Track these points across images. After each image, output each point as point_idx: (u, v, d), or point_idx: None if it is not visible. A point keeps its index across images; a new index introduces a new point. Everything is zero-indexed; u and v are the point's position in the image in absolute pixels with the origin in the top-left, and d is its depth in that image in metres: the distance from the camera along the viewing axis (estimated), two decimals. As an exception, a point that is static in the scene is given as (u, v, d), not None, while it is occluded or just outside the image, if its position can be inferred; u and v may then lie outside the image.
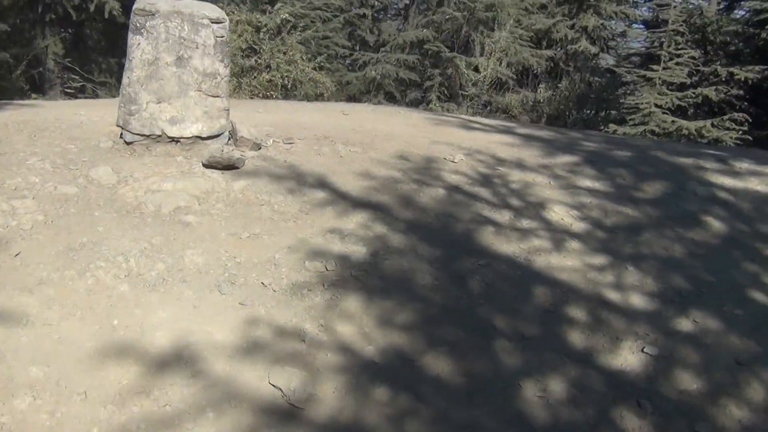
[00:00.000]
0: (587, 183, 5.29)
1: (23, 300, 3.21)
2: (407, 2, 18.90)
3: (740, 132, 15.10)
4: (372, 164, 5.14)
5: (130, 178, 4.39)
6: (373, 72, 16.15)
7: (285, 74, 10.72)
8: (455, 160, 5.41)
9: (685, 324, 3.72)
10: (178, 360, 3.06)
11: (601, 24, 18.03)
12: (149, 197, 4.17)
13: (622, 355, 3.46)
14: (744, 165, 6.00)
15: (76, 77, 10.03)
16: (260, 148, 5.11)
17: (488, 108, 13.18)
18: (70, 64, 9.97)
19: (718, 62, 16.53)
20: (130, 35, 4.75)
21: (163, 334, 3.18)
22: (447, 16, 15.87)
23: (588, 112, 10.85)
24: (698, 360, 3.48)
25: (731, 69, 15.96)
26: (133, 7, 4.77)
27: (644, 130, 15.08)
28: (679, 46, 16.46)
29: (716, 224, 4.83)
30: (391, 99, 17.03)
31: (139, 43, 4.71)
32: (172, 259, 3.66)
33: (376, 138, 5.80)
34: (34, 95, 9.37)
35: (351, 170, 4.97)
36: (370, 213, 4.38)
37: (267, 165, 4.84)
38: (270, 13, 11.54)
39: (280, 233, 4.05)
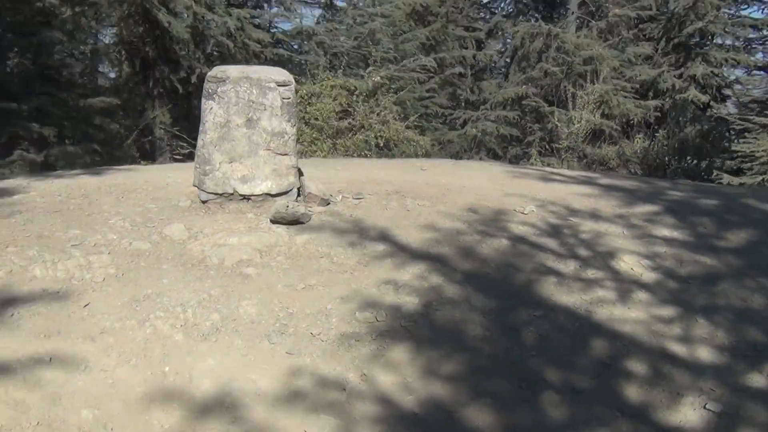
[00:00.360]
0: (664, 232, 5.07)
1: (85, 347, 3.41)
2: (507, 60, 19.03)
3: None
4: (438, 217, 5.16)
5: (200, 233, 4.61)
6: (473, 130, 16.26)
7: (378, 134, 11.00)
8: (525, 212, 5.34)
9: (756, 379, 3.45)
10: (219, 406, 3.15)
11: (711, 72, 17.40)
12: (214, 251, 4.37)
13: (682, 411, 3.25)
14: None
15: (184, 144, 10.70)
16: (328, 204, 5.24)
17: (584, 161, 12.92)
18: (178, 132, 10.67)
19: (843, 104, 15.52)
20: (203, 101, 5.06)
21: (209, 381, 3.29)
22: (545, 71, 15.83)
23: (690, 161, 10.39)
24: (768, 418, 3.21)
25: None
26: (207, 75, 5.10)
27: (763, 179, 14.27)
28: (797, 89, 15.59)
29: (806, 273, 4.49)
30: (493, 156, 17.05)
31: (211, 108, 5.01)
32: (228, 309, 3.79)
33: (448, 192, 5.83)
34: (143, 162, 10.10)
35: (416, 223, 5.01)
36: (428, 264, 4.38)
37: (332, 220, 4.96)
38: (364, 77, 11.95)
39: (335, 284, 4.11)
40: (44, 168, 8.55)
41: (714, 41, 19.08)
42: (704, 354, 3.65)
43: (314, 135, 10.66)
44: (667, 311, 4.03)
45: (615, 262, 4.56)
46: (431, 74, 14.71)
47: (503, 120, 16.43)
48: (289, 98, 5.11)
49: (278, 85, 5.07)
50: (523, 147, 15.90)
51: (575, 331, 3.80)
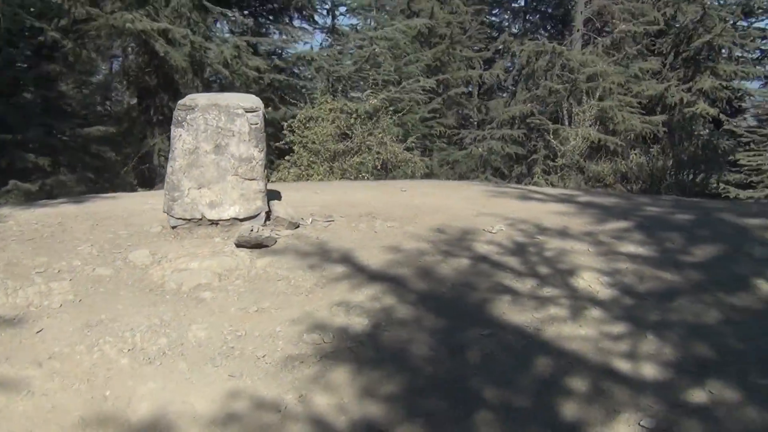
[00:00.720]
0: (630, 248, 5.04)
1: (30, 372, 3.50)
2: (515, 79, 19.06)
3: None
4: (404, 238, 5.19)
5: (163, 259, 4.70)
6: (479, 149, 16.30)
7: (375, 156, 11.08)
8: (493, 231, 5.35)
9: (697, 395, 3.43)
10: (153, 429, 3.20)
11: (719, 84, 17.29)
12: (174, 276, 4.45)
13: (616, 428, 3.23)
14: (825, 222, 5.51)
15: (183, 171, 10.83)
16: (297, 227, 5.31)
17: (582, 177, 12.88)
18: (177, 159, 10.80)
19: None
20: (172, 128, 5.17)
21: (147, 404, 3.35)
22: (550, 89, 15.84)
23: (688, 175, 10.32)
24: (703, 434, 3.19)
25: None
26: (177, 104, 5.21)
27: (772, 192, 14.11)
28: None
29: (766, 288, 4.44)
30: (500, 175, 17.05)
31: (180, 135, 5.11)
32: (177, 333, 3.86)
33: (420, 213, 5.86)
34: (141, 189, 10.28)
35: (380, 245, 5.05)
36: (384, 285, 4.41)
37: (297, 242, 5.02)
38: (366, 100, 12.07)
39: (289, 307, 4.16)
40: (45, 197, 8.73)
41: (724, 54, 18.95)
42: (648, 370, 3.63)
43: (311, 158, 10.78)
44: (618, 328, 4.01)
45: (573, 280, 4.56)
46: (432, 95, 14.79)
47: (509, 139, 16.46)
48: (257, 124, 5.20)
49: (246, 112, 5.16)
50: (528, 165, 15.91)
51: (521, 350, 3.80)
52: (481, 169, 16.30)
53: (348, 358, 3.70)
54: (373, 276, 4.55)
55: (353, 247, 4.99)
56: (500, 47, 19.73)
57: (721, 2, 20.17)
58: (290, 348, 3.78)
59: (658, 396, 3.43)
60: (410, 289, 4.40)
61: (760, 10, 20.93)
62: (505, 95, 20.27)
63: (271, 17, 13.78)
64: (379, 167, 11.10)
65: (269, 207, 5.34)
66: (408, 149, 12.05)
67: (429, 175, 14.09)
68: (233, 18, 12.45)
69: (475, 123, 19.27)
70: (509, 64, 20.13)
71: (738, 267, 4.71)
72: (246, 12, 13.48)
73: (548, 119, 15.41)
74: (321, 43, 15.20)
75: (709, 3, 18.30)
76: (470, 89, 19.17)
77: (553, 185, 13.27)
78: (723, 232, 5.35)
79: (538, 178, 14.18)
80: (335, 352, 3.74)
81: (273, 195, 5.93)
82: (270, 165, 11.92)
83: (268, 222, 5.30)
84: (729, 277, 4.59)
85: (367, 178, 10.85)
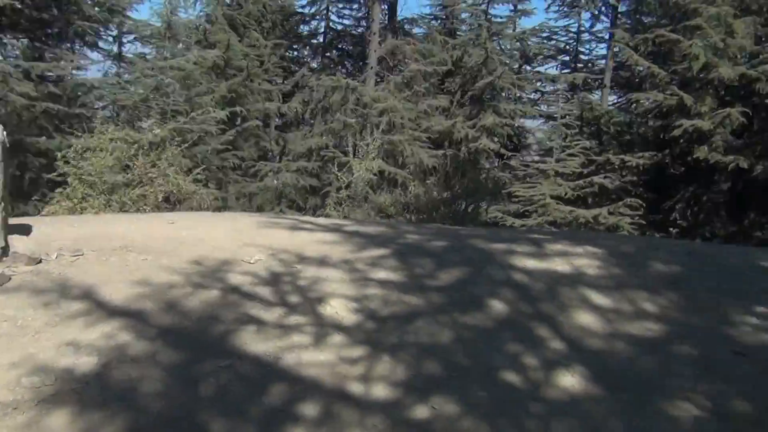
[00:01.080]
0: (382, 275, 5.23)
1: None
2: (313, 111, 19.36)
3: (636, 217, 15.48)
4: (157, 271, 5.02)
5: None
6: (274, 181, 16.32)
7: (158, 188, 10.72)
8: (252, 261, 5.33)
9: (420, 411, 3.59)
10: None
11: (501, 122, 18.68)
12: None
13: (338, 451, 3.29)
14: (557, 247, 6.04)
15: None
16: (39, 262, 4.96)
17: (369, 208, 13.33)
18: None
19: (611, 151, 17.16)
20: None
21: None
22: (344, 123, 16.28)
23: (460, 205, 11.00)
24: (419, 450, 3.33)
25: (623, 156, 16.54)
26: None
27: (543, 221, 15.40)
28: (575, 138, 17.08)
29: (498, 306, 4.78)
30: (297, 207, 17.16)
31: None
32: None
33: (181, 245, 5.71)
34: None
35: (129, 279, 4.84)
36: (123, 321, 4.21)
37: (36, 279, 4.69)
38: (149, 130, 11.68)
39: (9, 350, 3.84)
40: None
41: (505, 95, 20.57)
42: (379, 391, 3.75)
43: (86, 191, 10.21)
44: (357, 352, 4.12)
45: (322, 307, 4.63)
46: (226, 127, 14.65)
47: (304, 171, 16.66)
48: (-10, 152, 4.83)
49: (-23, 140, 4.78)
50: (322, 197, 16.17)
51: (259, 379, 3.78)
52: (276, 201, 16.32)
53: (70, 401, 3.47)
54: (113, 312, 4.34)
55: (98, 282, 4.74)
56: (299, 81, 20.01)
57: (503, 47, 22.05)
58: (4, 394, 3.48)
59: (385, 415, 3.55)
60: (151, 324, 4.24)
61: (540, 57, 23.21)
62: (305, 128, 20.55)
63: (49, 42, 12.98)
64: (160, 200, 10.73)
65: (6, 242, 4.95)
66: (196, 181, 11.78)
67: (224, 208, 13.87)
68: (3, 41, 11.60)
69: (276, 156, 19.33)
70: (308, 98, 20.44)
71: (476, 288, 5.04)
72: (21, 36, 12.63)
73: (341, 152, 15.80)
74: (107, 71, 14.55)
75: (491, 48, 19.84)
76: (269, 122, 19.21)
77: (346, 217, 13.58)
78: (470, 257, 5.70)
79: (330, 209, 14.44)
80: (56, 395, 3.50)
81: (18, 229, 5.53)
82: (42, 198, 11.17)
83: (5, 258, 4.91)
84: (467, 298, 4.89)
85: (149, 212, 10.45)
